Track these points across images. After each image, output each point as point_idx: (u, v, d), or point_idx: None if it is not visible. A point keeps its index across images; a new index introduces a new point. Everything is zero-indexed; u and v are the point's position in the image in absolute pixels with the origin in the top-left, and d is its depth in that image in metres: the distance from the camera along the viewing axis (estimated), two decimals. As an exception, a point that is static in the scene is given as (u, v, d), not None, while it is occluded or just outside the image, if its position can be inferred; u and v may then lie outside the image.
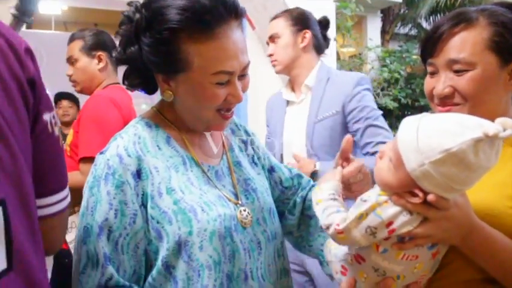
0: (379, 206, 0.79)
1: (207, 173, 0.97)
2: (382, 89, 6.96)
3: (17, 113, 0.67)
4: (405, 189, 0.77)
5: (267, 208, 1.02)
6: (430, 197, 0.75)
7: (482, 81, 0.90)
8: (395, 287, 0.82)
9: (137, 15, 0.89)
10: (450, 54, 0.92)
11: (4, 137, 0.64)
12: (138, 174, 0.90)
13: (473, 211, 0.83)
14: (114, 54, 0.97)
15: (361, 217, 0.79)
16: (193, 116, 0.97)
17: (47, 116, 0.74)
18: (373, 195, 0.82)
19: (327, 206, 0.86)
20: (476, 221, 0.82)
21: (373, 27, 9.18)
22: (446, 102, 0.94)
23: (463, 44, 0.91)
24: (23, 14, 1.12)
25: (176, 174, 0.93)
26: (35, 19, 1.96)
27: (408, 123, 0.78)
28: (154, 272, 0.90)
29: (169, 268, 0.88)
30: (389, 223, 0.78)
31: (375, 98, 6.13)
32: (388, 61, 7.28)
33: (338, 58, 5.94)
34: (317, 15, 2.52)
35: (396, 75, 7.05)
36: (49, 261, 2.05)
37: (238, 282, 0.91)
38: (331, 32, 2.74)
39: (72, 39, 2.08)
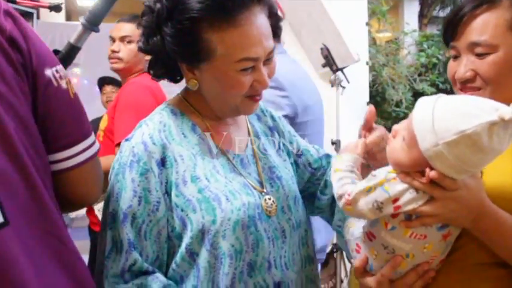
0: (387, 182, 0.80)
1: (232, 161, 0.96)
2: (420, 74, 6.78)
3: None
4: (417, 168, 0.78)
5: (292, 196, 1.00)
6: (433, 173, 0.75)
7: (504, 64, 0.87)
8: (406, 265, 0.83)
9: (158, 5, 0.88)
10: (471, 36, 0.89)
11: None
12: (163, 162, 0.91)
13: (489, 194, 0.81)
14: (138, 45, 0.96)
15: (370, 190, 0.81)
16: (221, 103, 0.96)
17: (48, 71, 0.75)
18: (384, 171, 0.83)
19: (343, 176, 0.87)
20: (489, 204, 0.80)
21: (411, 11, 8.96)
22: (468, 86, 0.91)
23: (485, 26, 0.88)
24: (93, 25, 1.17)
25: (202, 161, 0.93)
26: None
27: (424, 103, 0.77)
28: (178, 258, 0.90)
29: (193, 255, 0.89)
30: (396, 199, 0.79)
31: (411, 83, 6.04)
32: (425, 46, 7.09)
33: (374, 43, 5.80)
34: (350, 6, 2.47)
35: (434, 60, 6.85)
36: (86, 245, 2.10)
37: (261, 271, 0.91)
38: (363, 17, 2.67)
39: (131, 20, 2.03)
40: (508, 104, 0.74)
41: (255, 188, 0.95)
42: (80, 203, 0.87)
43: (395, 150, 0.82)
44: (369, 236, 0.86)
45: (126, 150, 0.91)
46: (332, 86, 2.21)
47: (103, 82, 3.67)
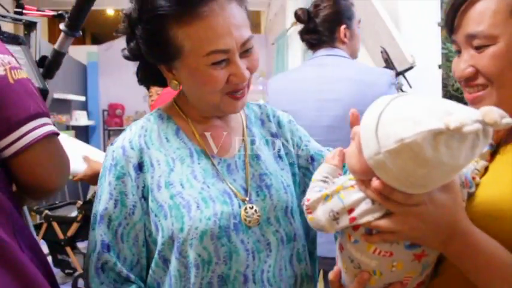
0: (343, 190, 0.72)
1: (216, 166, 0.93)
2: None
3: None
4: (369, 176, 0.68)
5: (281, 207, 0.93)
6: (375, 184, 0.65)
7: (507, 56, 0.73)
8: (375, 282, 0.74)
9: (130, 10, 0.89)
10: (468, 28, 0.77)
11: None
12: (140, 167, 0.91)
13: (484, 209, 0.70)
14: (121, 53, 0.98)
15: (327, 198, 0.73)
16: (202, 102, 0.94)
17: None
18: (345, 178, 0.75)
19: (314, 186, 0.80)
20: (465, 224, 0.68)
21: None
22: (470, 84, 0.78)
23: (482, 15, 0.75)
24: (73, 30, 1.24)
25: (181, 166, 0.91)
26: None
27: (376, 103, 0.67)
28: (153, 264, 0.90)
29: (166, 262, 0.89)
30: (351, 210, 0.71)
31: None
32: None
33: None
34: (422, 5, 2.33)
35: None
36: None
37: (235, 284, 0.86)
38: (435, 17, 2.50)
39: None
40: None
41: (236, 196, 0.90)
42: (43, 188, 0.86)
43: (349, 155, 0.74)
44: (340, 246, 0.79)
45: (108, 154, 0.94)
46: (393, 91, 2.10)
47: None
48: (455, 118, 0.58)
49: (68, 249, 3.46)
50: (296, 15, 1.76)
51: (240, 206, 0.89)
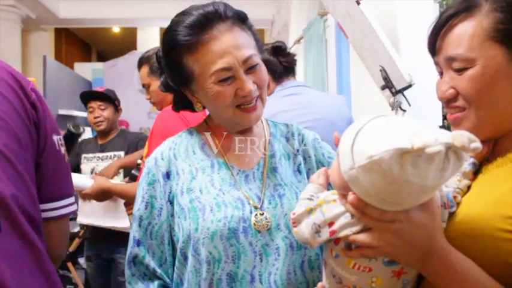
0: (325, 204, 0.75)
1: (235, 176, 1.04)
2: None
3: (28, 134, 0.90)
4: (346, 191, 0.71)
5: None
6: (351, 197, 0.68)
7: (484, 79, 0.75)
8: None
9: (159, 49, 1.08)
10: (448, 50, 0.79)
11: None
12: (168, 175, 1.05)
13: (452, 229, 0.72)
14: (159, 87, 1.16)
15: (311, 212, 0.76)
16: (220, 118, 1.08)
17: (55, 137, 0.97)
18: (328, 193, 0.78)
19: (300, 204, 0.83)
20: (441, 244, 0.70)
21: None
22: (451, 106, 0.81)
23: (460, 38, 0.77)
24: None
25: (202, 175, 1.04)
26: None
27: (357, 121, 0.70)
28: (176, 261, 1.02)
29: (186, 259, 0.99)
30: (331, 223, 0.74)
31: None
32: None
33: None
34: (417, 17, 2.36)
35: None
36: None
37: (243, 283, 0.95)
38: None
39: (139, 64, 2.22)
40: (503, 124, 0.65)
41: (249, 203, 1.00)
42: (51, 253, 0.96)
43: (331, 170, 0.77)
44: (324, 262, 0.82)
45: (145, 164, 1.10)
46: (392, 109, 2.12)
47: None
48: (420, 139, 0.60)
49: (70, 264, 3.47)
50: (278, 46, 2.04)
51: (251, 212, 0.99)
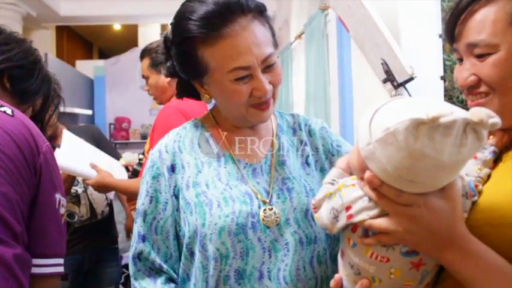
0: (344, 188, 0.74)
1: (242, 170, 1.01)
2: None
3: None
4: (364, 172, 0.70)
5: (300, 209, 0.98)
6: (367, 173, 0.67)
7: (508, 64, 0.74)
8: None
9: (167, 33, 1.01)
10: (469, 37, 0.77)
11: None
12: (173, 168, 1.02)
13: (473, 218, 0.70)
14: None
15: (331, 196, 0.76)
16: (229, 113, 1.04)
17: (57, 196, 1.00)
18: (348, 178, 0.77)
19: (322, 188, 0.82)
20: (462, 232, 0.68)
21: None
22: (474, 92, 0.79)
23: (482, 24, 0.76)
24: None
25: (208, 169, 1.00)
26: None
27: (377, 103, 0.70)
28: (182, 256, 1.00)
29: (192, 255, 0.97)
30: (348, 207, 0.72)
31: None
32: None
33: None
34: (418, 11, 2.35)
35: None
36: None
37: (251, 280, 0.92)
38: (436, 28, 2.52)
39: (142, 55, 2.22)
40: None
41: (257, 197, 0.97)
42: None
43: (351, 153, 0.76)
44: (341, 253, 0.80)
45: (149, 157, 1.07)
46: (394, 102, 2.12)
47: None
48: (435, 109, 0.59)
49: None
50: None
51: (259, 207, 0.96)
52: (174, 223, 1.01)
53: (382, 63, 2.02)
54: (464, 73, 0.80)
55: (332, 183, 0.82)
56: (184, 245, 0.98)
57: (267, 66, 0.95)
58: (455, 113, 0.60)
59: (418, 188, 0.67)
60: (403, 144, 0.61)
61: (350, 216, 0.72)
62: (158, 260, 1.00)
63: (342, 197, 0.74)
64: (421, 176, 0.65)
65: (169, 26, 1.00)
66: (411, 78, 2.01)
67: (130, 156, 2.62)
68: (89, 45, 10.14)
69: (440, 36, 2.58)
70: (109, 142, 2.67)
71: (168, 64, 1.04)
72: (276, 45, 1.00)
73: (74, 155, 2.11)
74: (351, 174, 0.85)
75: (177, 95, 1.13)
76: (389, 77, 2.03)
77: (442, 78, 2.67)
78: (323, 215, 0.78)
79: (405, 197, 0.67)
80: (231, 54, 0.91)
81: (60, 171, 2.07)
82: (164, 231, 1.00)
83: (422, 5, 2.37)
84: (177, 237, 1.01)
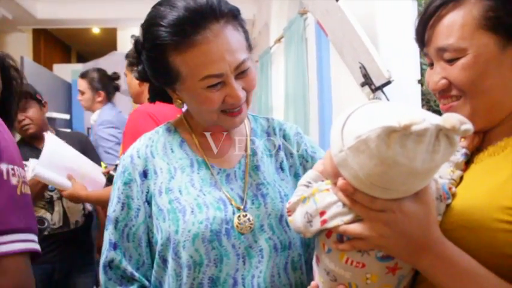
0: (318, 192, 0.73)
1: (215, 175, 0.99)
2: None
3: None
4: (337, 178, 0.69)
5: (275, 215, 0.96)
6: (339, 182, 0.67)
7: (476, 67, 0.75)
8: None
9: (137, 37, 0.99)
10: (438, 41, 0.78)
11: None
12: (145, 174, 0.99)
13: (447, 221, 0.70)
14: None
15: (305, 201, 0.75)
16: (201, 118, 1.01)
17: (3, 166, 0.85)
18: (322, 183, 0.76)
19: (297, 190, 0.81)
20: (437, 237, 0.68)
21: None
22: (445, 96, 0.80)
23: (450, 28, 0.76)
24: None
25: (181, 175, 0.98)
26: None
27: (350, 107, 0.69)
28: (155, 264, 0.97)
29: (165, 262, 0.95)
30: (323, 212, 0.71)
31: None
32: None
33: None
34: (396, 15, 2.38)
35: None
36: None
37: (225, 287, 0.90)
38: (413, 33, 2.56)
39: (126, 56, 2.26)
40: (498, 112, 0.65)
41: (231, 203, 0.95)
42: None
43: (324, 157, 0.75)
44: (317, 259, 0.79)
45: (120, 163, 1.04)
46: (371, 105, 2.14)
47: None
48: (407, 117, 0.59)
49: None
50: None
51: (234, 213, 0.94)
52: (146, 230, 0.98)
53: (360, 67, 2.03)
54: (435, 77, 0.80)
55: (307, 186, 0.81)
56: (157, 253, 0.96)
57: (241, 72, 0.93)
58: (427, 119, 0.60)
59: (391, 194, 0.67)
60: (375, 152, 0.61)
61: (324, 222, 0.72)
62: (130, 268, 0.97)
63: (316, 202, 0.73)
64: (394, 183, 0.65)
65: (140, 29, 0.97)
66: (388, 82, 2.03)
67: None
68: (67, 49, 9.99)
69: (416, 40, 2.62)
70: (95, 151, 2.65)
71: (139, 68, 1.02)
72: (250, 48, 0.98)
73: (55, 159, 2.09)
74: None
75: (149, 99, 1.11)
76: (367, 81, 2.04)
77: (419, 81, 2.71)
78: (297, 219, 0.77)
79: (379, 203, 0.67)
80: (203, 62, 0.88)
81: (38, 179, 2.06)
82: (136, 239, 0.97)
83: (399, 9, 2.40)
84: (150, 244, 0.99)
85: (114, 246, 0.97)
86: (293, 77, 3.53)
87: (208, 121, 0.99)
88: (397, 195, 0.67)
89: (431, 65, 0.83)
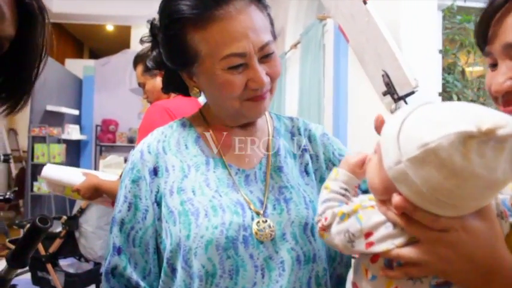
0: (362, 209, 0.63)
1: (233, 176, 0.90)
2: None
3: None
4: (388, 194, 0.59)
5: (299, 223, 0.86)
6: (396, 198, 0.56)
7: None
8: None
9: (154, 19, 0.91)
10: (507, 37, 0.68)
11: None
12: (155, 172, 0.90)
13: (509, 242, 0.60)
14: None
15: (343, 217, 0.65)
16: (222, 109, 0.92)
17: None
18: (364, 197, 0.66)
19: (332, 198, 0.71)
20: (505, 258, 0.58)
21: None
22: (510, 100, 0.70)
23: None
24: (18, 263, 1.44)
25: (195, 173, 0.89)
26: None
27: (401, 110, 0.59)
28: (162, 273, 0.87)
29: (174, 271, 0.85)
30: (369, 233, 0.61)
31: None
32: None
33: (463, 77, 5.38)
34: (420, 24, 2.30)
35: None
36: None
37: None
38: (437, 44, 2.47)
39: (135, 63, 2.17)
40: None
41: (250, 208, 0.85)
42: None
43: (369, 169, 0.64)
44: (353, 285, 0.69)
45: (129, 158, 0.95)
46: (393, 116, 2.05)
47: None
48: (488, 119, 0.50)
49: (49, 266, 3.32)
50: None
51: (252, 218, 0.84)
52: (154, 234, 0.88)
53: (382, 75, 1.95)
54: (500, 78, 0.70)
55: (343, 195, 0.71)
56: (165, 260, 0.85)
57: (265, 56, 0.85)
58: (510, 121, 0.51)
59: (459, 211, 0.57)
60: (448, 163, 0.51)
61: (370, 244, 0.62)
62: (135, 277, 0.87)
63: (361, 221, 0.63)
64: (466, 198, 0.55)
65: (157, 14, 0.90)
66: (413, 92, 1.94)
67: (114, 159, 2.54)
68: (79, 45, 10.00)
69: (440, 51, 2.53)
70: None
71: (154, 53, 0.94)
72: (274, 36, 0.90)
73: (61, 168, 2.12)
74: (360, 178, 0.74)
75: (162, 89, 1.02)
76: (389, 90, 1.95)
77: (440, 94, 2.62)
78: (333, 236, 0.67)
79: (443, 222, 0.57)
80: (225, 39, 0.81)
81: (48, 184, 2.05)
82: (143, 243, 0.88)
83: (425, 19, 2.32)
84: (157, 250, 0.89)
85: (119, 250, 0.88)
86: (308, 84, 3.45)
87: (230, 111, 0.90)
88: (463, 212, 0.58)
89: (493, 66, 0.74)
